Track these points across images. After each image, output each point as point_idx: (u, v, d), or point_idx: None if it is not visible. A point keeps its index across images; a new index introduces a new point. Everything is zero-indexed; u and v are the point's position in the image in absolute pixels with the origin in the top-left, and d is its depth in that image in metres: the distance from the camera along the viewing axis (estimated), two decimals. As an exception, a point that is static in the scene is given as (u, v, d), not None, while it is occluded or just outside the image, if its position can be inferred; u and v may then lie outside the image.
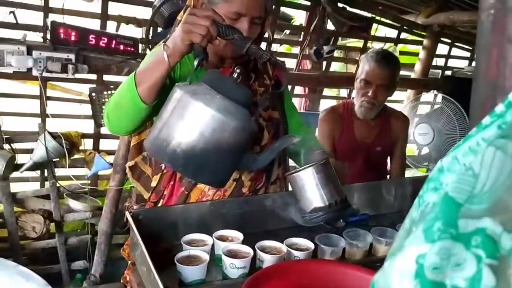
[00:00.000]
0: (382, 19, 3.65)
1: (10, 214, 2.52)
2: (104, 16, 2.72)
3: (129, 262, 1.39)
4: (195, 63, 1.11)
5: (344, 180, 1.48)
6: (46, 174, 2.67)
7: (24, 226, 2.56)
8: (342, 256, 1.24)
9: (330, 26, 3.47)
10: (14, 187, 2.62)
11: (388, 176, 2.51)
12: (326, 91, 3.97)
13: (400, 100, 4.15)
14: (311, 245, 1.19)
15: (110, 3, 2.71)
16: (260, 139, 1.41)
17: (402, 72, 2.56)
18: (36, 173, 2.77)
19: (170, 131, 1.09)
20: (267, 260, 1.11)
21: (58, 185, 2.63)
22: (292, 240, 1.21)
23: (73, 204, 2.69)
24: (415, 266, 0.42)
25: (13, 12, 2.46)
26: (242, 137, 1.12)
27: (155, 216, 1.26)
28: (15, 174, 2.60)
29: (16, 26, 2.51)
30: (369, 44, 3.74)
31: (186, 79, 1.17)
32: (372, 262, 1.15)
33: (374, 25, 3.62)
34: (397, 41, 3.90)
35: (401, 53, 4.04)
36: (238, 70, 1.15)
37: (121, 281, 1.47)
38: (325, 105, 2.97)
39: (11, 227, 2.53)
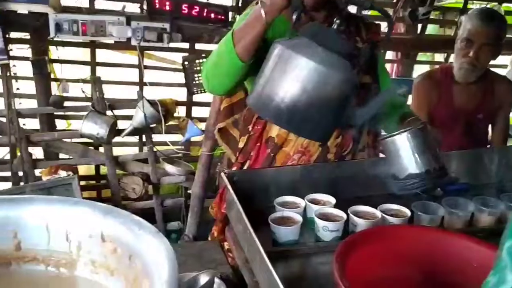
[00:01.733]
0: (486, -24, 3.34)
1: (113, 176, 2.72)
2: (195, -15, 2.77)
3: (217, 219, 1.45)
4: (294, 17, 1.10)
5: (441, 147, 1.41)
6: (144, 139, 2.84)
7: (125, 187, 2.75)
8: (439, 225, 1.19)
9: (427, -15, 3.24)
10: (116, 151, 2.82)
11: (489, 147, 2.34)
12: (420, 56, 3.75)
13: (504, 64, 3.81)
14: (407, 212, 1.15)
15: (201, -29, 2.75)
16: None
17: (507, 34, 2.35)
18: (136, 138, 2.94)
19: (273, 87, 1.08)
20: (361, 224, 1.09)
21: (155, 150, 2.78)
22: (386, 206, 1.18)
23: (169, 168, 2.83)
24: None
25: (113, -15, 2.59)
26: (345, 89, 1.08)
27: (248, 178, 1.29)
28: (116, 139, 2.77)
29: (116, -3, 2.64)
30: (469, 4, 3.45)
31: None
32: (474, 233, 1.10)
33: (477, -18, 3.33)
34: (501, -1, 3.56)
35: (506, 13, 3.68)
36: (337, 21, 1.11)
37: (209, 238, 1.54)
38: (419, 71, 2.81)
39: (114, 188, 2.73)
